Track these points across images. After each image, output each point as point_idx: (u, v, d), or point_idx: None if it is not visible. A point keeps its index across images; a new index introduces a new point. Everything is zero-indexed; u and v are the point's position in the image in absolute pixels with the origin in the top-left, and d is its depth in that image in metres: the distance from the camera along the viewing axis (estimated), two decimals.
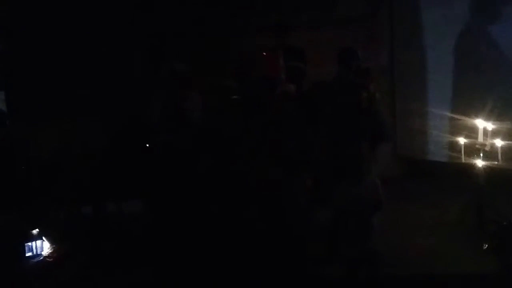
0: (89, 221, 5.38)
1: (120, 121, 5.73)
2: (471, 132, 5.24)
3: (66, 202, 5.43)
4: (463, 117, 5.56)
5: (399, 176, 6.40)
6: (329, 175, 4.63)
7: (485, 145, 5.05)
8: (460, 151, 5.22)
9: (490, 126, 5.07)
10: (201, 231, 4.61)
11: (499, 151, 5.00)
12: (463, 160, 5.21)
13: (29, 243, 4.78)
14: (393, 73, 6.70)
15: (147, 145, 5.10)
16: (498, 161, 5.01)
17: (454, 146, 5.45)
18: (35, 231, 4.86)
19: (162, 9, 6.41)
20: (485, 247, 4.71)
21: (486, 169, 5.03)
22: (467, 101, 5.79)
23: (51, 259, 4.82)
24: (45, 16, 6.25)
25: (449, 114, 6.12)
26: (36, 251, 4.81)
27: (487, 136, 5.06)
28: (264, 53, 5.87)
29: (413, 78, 6.57)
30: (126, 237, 5.02)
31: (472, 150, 5.13)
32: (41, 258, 4.83)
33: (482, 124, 5.08)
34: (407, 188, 6.10)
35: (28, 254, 4.78)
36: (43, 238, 4.88)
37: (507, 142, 5.04)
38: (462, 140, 5.23)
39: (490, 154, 5.03)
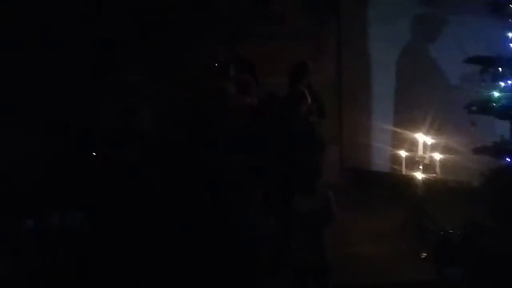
0: (31, 234, 5.21)
1: (66, 130, 5.62)
2: (412, 145, 5.52)
3: (6, 214, 5.23)
4: (405, 131, 5.84)
5: (344, 186, 6.58)
6: (281, 187, 4.75)
7: (424, 158, 5.33)
8: (402, 163, 5.48)
9: (429, 140, 5.36)
10: (147, 243, 4.58)
11: (437, 164, 5.29)
12: (404, 172, 5.47)
13: None
14: (340, 87, 6.90)
15: (93, 154, 5.02)
16: (436, 173, 5.30)
17: (396, 158, 5.69)
18: None
19: (111, 16, 6.33)
20: (423, 256, 4.95)
21: (425, 180, 5.30)
22: (409, 115, 6.05)
23: None
24: None
25: (392, 128, 6.38)
26: None
27: (426, 150, 5.34)
28: (216, 64, 5.94)
29: (359, 92, 6.78)
30: (70, 250, 4.89)
31: (413, 162, 5.40)
32: None
33: (422, 138, 5.37)
34: (352, 198, 6.27)
35: None
36: None
37: (445, 155, 5.34)
38: (403, 153, 5.48)
39: (429, 166, 5.31)
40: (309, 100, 5.13)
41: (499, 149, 4.75)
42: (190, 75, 5.97)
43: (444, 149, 5.40)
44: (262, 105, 5.30)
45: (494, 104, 4.78)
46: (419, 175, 5.31)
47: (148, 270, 4.43)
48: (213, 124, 4.91)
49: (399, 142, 5.95)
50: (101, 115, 5.18)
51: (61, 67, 5.91)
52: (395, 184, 5.81)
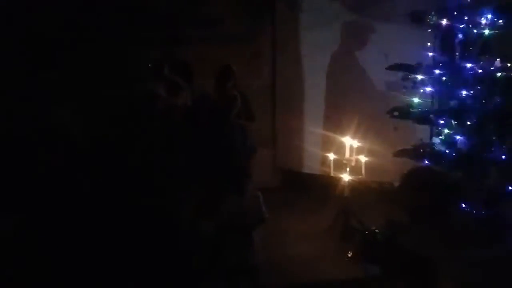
0: None
1: None
2: (340, 148, 5.72)
3: None
4: (333, 135, 6.04)
5: (277, 187, 6.75)
6: (214, 189, 4.81)
7: (351, 160, 5.54)
8: (330, 166, 5.67)
9: (355, 143, 5.58)
10: (80, 246, 4.53)
11: (363, 166, 5.51)
12: (332, 174, 5.67)
13: None
14: (274, 91, 7.03)
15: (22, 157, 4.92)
16: (362, 175, 5.52)
17: (325, 160, 5.89)
18: None
19: (40, 14, 6.17)
20: (350, 255, 5.13)
21: (352, 182, 5.52)
22: (337, 120, 6.26)
23: None
24: None
25: (322, 131, 6.56)
26: None
27: (353, 153, 5.56)
28: (149, 65, 5.92)
29: (292, 96, 6.93)
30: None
31: (341, 164, 5.60)
32: None
33: (349, 141, 5.58)
34: (284, 199, 6.42)
35: None
36: None
37: (370, 158, 5.57)
38: (332, 156, 5.68)
39: (355, 168, 5.53)
40: (239, 103, 5.26)
41: (418, 152, 4.99)
42: (123, 76, 5.93)
43: (369, 152, 5.63)
44: (194, 106, 5.36)
45: (414, 110, 5.02)
46: (346, 177, 5.53)
47: (85, 271, 4.38)
48: (143, 125, 4.93)
49: (328, 145, 6.15)
50: (28, 116, 5.07)
51: None
52: (324, 186, 6.01)
